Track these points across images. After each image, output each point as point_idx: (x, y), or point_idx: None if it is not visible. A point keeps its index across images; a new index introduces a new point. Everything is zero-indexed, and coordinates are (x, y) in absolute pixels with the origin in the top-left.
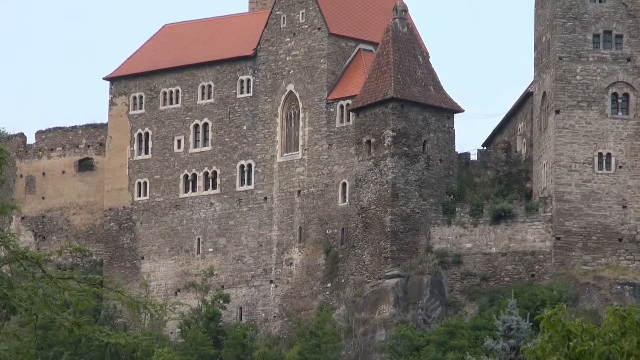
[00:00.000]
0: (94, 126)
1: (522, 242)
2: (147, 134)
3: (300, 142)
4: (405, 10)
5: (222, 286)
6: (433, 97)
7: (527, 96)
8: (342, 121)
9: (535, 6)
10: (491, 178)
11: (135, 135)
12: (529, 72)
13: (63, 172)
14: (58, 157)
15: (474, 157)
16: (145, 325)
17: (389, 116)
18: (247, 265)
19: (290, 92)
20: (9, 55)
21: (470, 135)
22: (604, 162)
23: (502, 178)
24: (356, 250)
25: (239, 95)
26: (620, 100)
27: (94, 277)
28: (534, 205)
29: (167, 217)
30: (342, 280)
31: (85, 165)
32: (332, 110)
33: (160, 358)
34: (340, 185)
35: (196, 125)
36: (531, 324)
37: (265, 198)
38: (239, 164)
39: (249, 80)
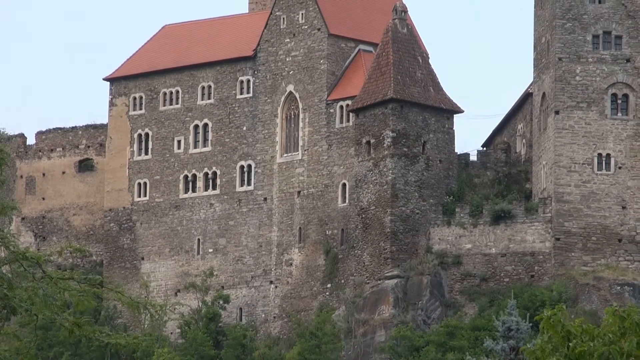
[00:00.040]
0: (94, 127)
1: (521, 242)
2: (147, 134)
3: (300, 143)
4: (405, 11)
5: (222, 287)
6: (433, 97)
7: (526, 97)
8: (341, 122)
9: (534, 7)
10: (491, 179)
11: (135, 135)
12: (528, 72)
13: (63, 172)
14: (58, 158)
15: (473, 157)
16: (146, 326)
17: (388, 117)
18: (247, 266)
19: (290, 92)
20: (9, 56)
21: (469, 136)
22: (604, 162)
23: (502, 179)
24: (356, 251)
25: (238, 96)
26: (619, 101)
27: (94, 277)
28: (533, 206)
29: (167, 218)
30: (342, 281)
31: (85, 166)
32: (331, 111)
33: (161, 358)
34: (340, 186)
35: (196, 126)
36: (531, 324)
37: (265, 199)
38: (238, 164)
39: (248, 80)
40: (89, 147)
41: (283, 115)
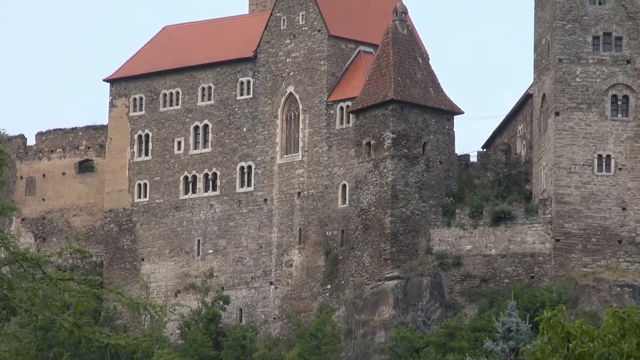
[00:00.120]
0: (94, 128)
1: (521, 243)
2: (147, 135)
3: (300, 144)
4: (405, 12)
5: (222, 288)
6: (433, 99)
7: (526, 98)
8: (342, 123)
9: (535, 8)
10: (491, 180)
11: (136, 136)
12: (528, 74)
13: (63, 173)
14: (58, 159)
15: (473, 159)
16: (145, 327)
17: (388, 118)
18: (247, 267)
19: (290, 93)
20: (9, 56)
21: (470, 137)
22: (604, 164)
23: (502, 180)
24: (356, 252)
25: (239, 97)
26: (619, 102)
27: (94, 278)
28: (533, 207)
29: (167, 219)
30: (342, 282)
31: (85, 167)
32: (332, 112)
33: (160, 359)
34: (340, 187)
35: (196, 127)
36: (531, 325)
37: (265, 200)
38: (239, 165)
39: (249, 82)
40: (89, 148)
41: (283, 117)
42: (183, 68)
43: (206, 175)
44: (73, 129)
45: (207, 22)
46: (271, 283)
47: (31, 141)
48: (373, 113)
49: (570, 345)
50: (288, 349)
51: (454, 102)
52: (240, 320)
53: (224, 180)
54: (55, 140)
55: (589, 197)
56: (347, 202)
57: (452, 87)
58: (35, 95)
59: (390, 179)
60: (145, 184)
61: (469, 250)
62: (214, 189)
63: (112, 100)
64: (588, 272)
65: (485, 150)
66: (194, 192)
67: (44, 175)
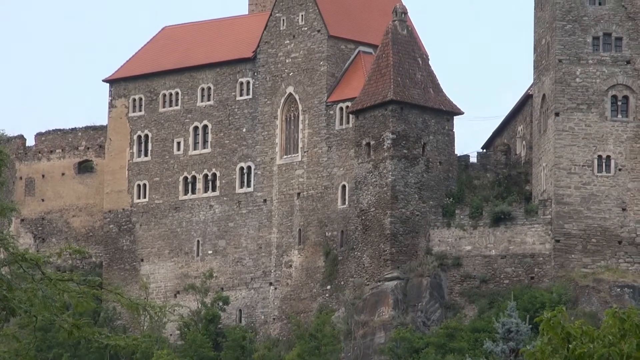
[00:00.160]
0: (94, 128)
1: (521, 244)
2: (146, 136)
3: (300, 145)
4: (405, 12)
5: (222, 288)
6: (432, 99)
7: (526, 98)
8: (341, 123)
9: (534, 8)
10: (491, 180)
11: (135, 137)
12: (528, 74)
13: (62, 174)
14: (57, 159)
15: (473, 159)
16: (145, 327)
17: (388, 118)
18: (246, 268)
19: (290, 94)
20: (9, 56)
21: (469, 137)
22: (604, 164)
23: (502, 180)
24: (355, 253)
25: (238, 98)
26: (619, 103)
27: (94, 279)
28: (533, 207)
29: (166, 219)
30: (342, 283)
31: (84, 168)
32: (331, 112)
33: None
34: (340, 188)
35: (196, 128)
36: (530, 326)
37: (265, 200)
38: (238, 166)
39: (248, 82)
40: (88, 148)
41: (283, 117)
42: (182, 68)
43: (206, 175)
44: (72, 129)
45: (206, 23)
46: (271, 284)
47: (30, 141)
48: (373, 113)
49: (570, 346)
50: (288, 349)
51: (453, 102)
52: (240, 321)
53: (223, 181)
54: (55, 140)
55: (588, 198)
56: (346, 203)
57: (452, 88)
58: (35, 95)
59: (390, 179)
60: (144, 185)
61: (469, 251)
62: (214, 189)
63: (111, 100)
64: (588, 272)
65: (485, 150)
66: (193, 192)
67: (43, 176)
